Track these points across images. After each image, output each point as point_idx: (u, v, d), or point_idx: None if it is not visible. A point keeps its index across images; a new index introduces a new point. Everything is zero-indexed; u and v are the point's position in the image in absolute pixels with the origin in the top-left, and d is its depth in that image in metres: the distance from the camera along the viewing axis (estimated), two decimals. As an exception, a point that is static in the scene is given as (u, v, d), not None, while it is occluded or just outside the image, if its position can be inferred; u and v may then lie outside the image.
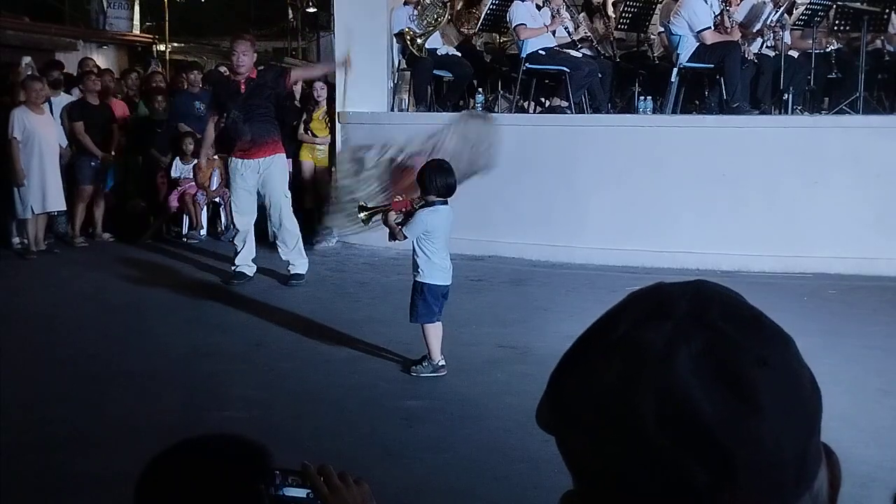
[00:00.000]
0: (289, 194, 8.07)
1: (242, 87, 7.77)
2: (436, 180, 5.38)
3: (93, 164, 9.76)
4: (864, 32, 8.83)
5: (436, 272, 5.48)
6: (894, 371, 5.55)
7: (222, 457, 1.56)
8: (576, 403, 0.71)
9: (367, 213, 5.64)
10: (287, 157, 8.37)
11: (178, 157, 10.26)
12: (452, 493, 4.03)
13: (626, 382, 0.67)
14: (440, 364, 5.52)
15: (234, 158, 7.85)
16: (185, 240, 10.07)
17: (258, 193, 7.90)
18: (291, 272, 7.90)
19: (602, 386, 0.69)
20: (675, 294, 0.72)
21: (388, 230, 5.50)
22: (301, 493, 1.46)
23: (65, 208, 9.52)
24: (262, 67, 8.48)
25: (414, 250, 5.51)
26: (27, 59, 10.77)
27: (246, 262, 7.95)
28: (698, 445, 0.65)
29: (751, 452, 0.66)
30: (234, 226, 8.16)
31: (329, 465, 1.49)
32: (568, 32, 9.79)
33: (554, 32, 9.57)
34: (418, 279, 5.50)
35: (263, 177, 7.76)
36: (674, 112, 9.34)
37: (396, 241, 5.58)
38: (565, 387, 0.72)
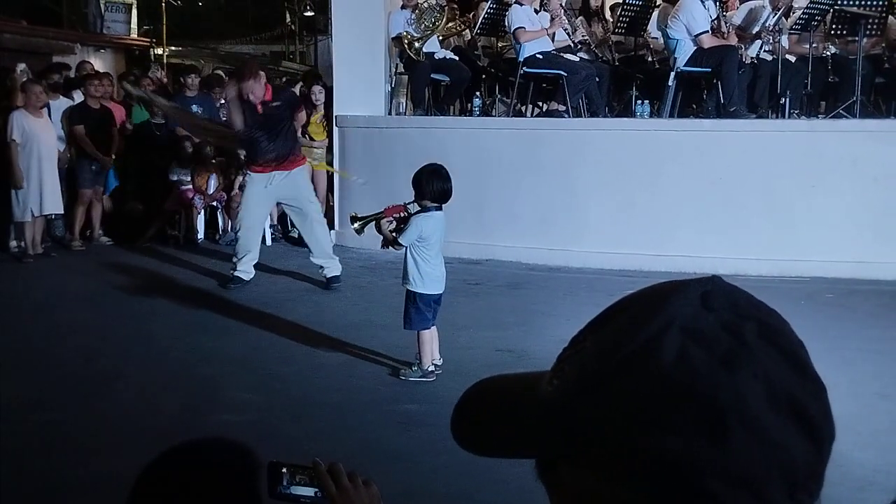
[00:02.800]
0: (315, 202, 8.28)
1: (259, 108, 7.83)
2: (432, 185, 5.34)
3: (93, 167, 9.77)
4: (861, 36, 8.84)
5: (427, 280, 5.41)
6: (892, 374, 5.56)
7: (206, 460, 1.56)
8: (625, 407, 0.65)
9: (360, 223, 5.61)
10: None
11: (175, 161, 10.26)
12: (451, 495, 4.03)
13: (723, 370, 0.64)
14: (429, 369, 5.49)
15: (255, 174, 7.83)
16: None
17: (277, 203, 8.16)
18: (328, 276, 7.96)
19: (680, 377, 0.64)
20: (693, 287, 0.69)
21: (381, 237, 5.46)
22: (309, 491, 1.43)
23: (62, 211, 9.52)
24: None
25: (405, 257, 5.44)
26: (22, 66, 10.79)
27: (246, 266, 7.95)
28: (800, 422, 0.65)
29: (829, 425, 0.67)
30: (236, 234, 8.27)
31: (339, 464, 1.46)
32: (567, 35, 9.80)
33: (552, 36, 9.58)
34: (410, 288, 5.44)
35: (290, 188, 7.84)
36: (671, 116, 9.34)
37: (391, 249, 5.53)
38: (602, 397, 0.66)
